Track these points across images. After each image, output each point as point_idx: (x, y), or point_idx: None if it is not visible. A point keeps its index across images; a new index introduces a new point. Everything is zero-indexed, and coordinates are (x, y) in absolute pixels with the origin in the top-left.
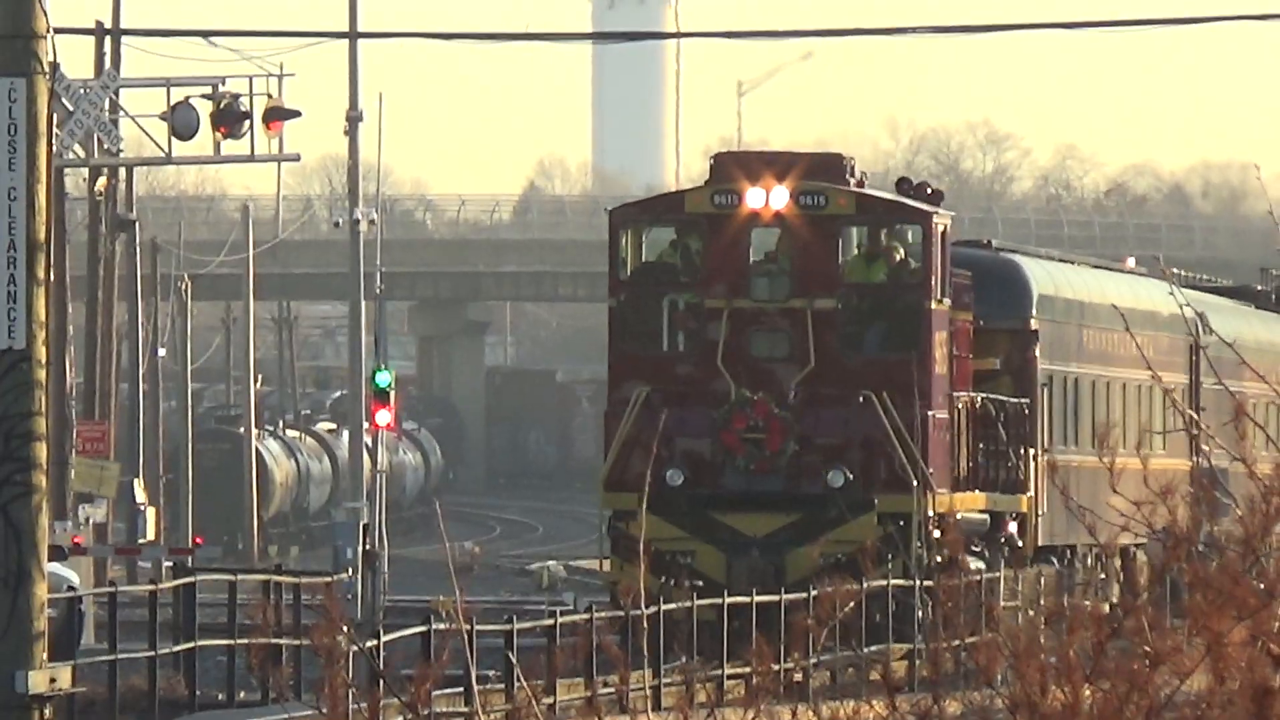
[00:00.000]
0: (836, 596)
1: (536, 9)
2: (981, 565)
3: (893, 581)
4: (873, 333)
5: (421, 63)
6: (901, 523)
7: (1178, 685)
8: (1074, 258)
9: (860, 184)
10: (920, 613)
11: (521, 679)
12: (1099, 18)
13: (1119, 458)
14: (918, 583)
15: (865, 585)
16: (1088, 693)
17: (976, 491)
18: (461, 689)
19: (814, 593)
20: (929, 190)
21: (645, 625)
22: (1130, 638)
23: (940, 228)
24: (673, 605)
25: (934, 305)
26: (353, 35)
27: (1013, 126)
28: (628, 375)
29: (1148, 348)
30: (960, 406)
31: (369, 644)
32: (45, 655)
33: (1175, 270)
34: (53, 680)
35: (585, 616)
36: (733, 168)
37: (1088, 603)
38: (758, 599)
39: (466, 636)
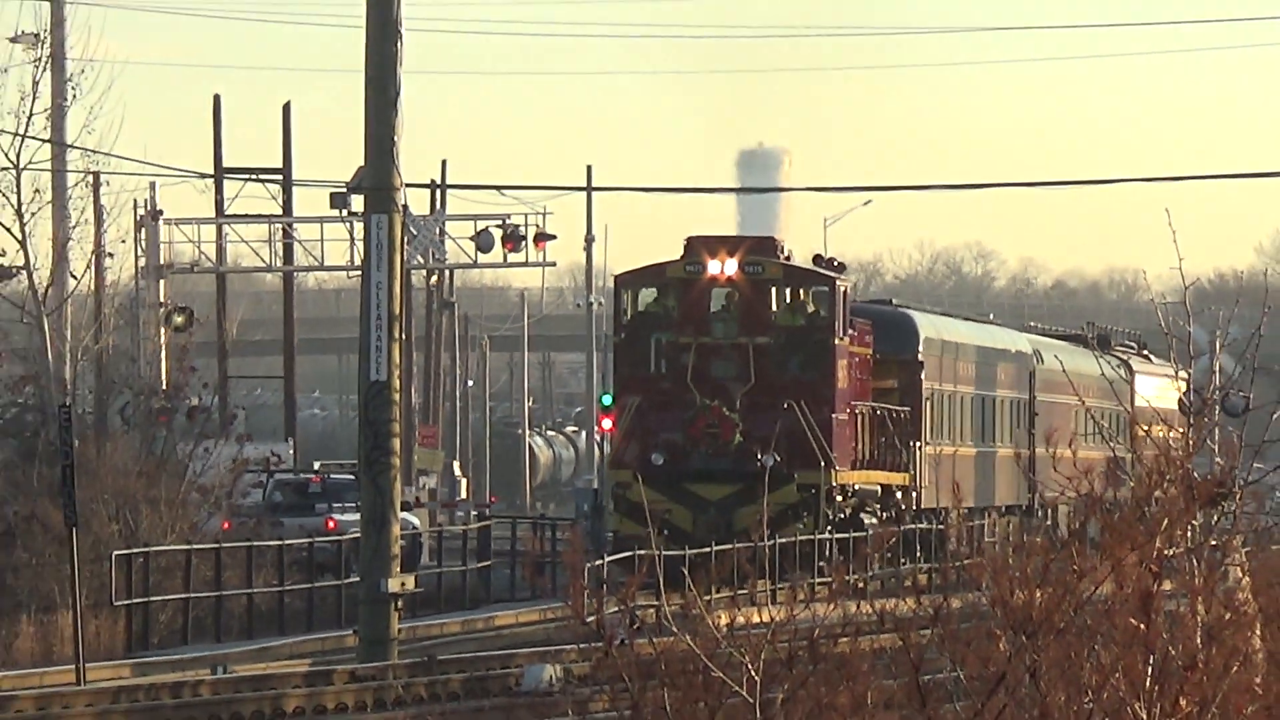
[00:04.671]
0: (885, 536)
1: (699, 164)
2: (874, 520)
3: (921, 526)
4: (794, 360)
5: (634, 199)
6: (813, 490)
7: (1093, 589)
8: (953, 313)
9: (788, 258)
10: (830, 556)
11: (691, 584)
12: (1051, 177)
13: (968, 449)
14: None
15: (901, 528)
16: (1038, 594)
17: (871, 470)
18: (653, 590)
19: (758, 543)
20: (836, 263)
21: (768, 553)
22: (1064, 560)
23: (842, 288)
24: (744, 544)
25: (837, 341)
26: (589, 189)
27: (995, 244)
28: (627, 389)
29: (1001, 373)
30: (859, 412)
31: (597, 562)
32: (398, 568)
33: (1029, 323)
34: (403, 584)
35: (729, 547)
36: (700, 247)
37: (1039, 539)
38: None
39: (656, 558)
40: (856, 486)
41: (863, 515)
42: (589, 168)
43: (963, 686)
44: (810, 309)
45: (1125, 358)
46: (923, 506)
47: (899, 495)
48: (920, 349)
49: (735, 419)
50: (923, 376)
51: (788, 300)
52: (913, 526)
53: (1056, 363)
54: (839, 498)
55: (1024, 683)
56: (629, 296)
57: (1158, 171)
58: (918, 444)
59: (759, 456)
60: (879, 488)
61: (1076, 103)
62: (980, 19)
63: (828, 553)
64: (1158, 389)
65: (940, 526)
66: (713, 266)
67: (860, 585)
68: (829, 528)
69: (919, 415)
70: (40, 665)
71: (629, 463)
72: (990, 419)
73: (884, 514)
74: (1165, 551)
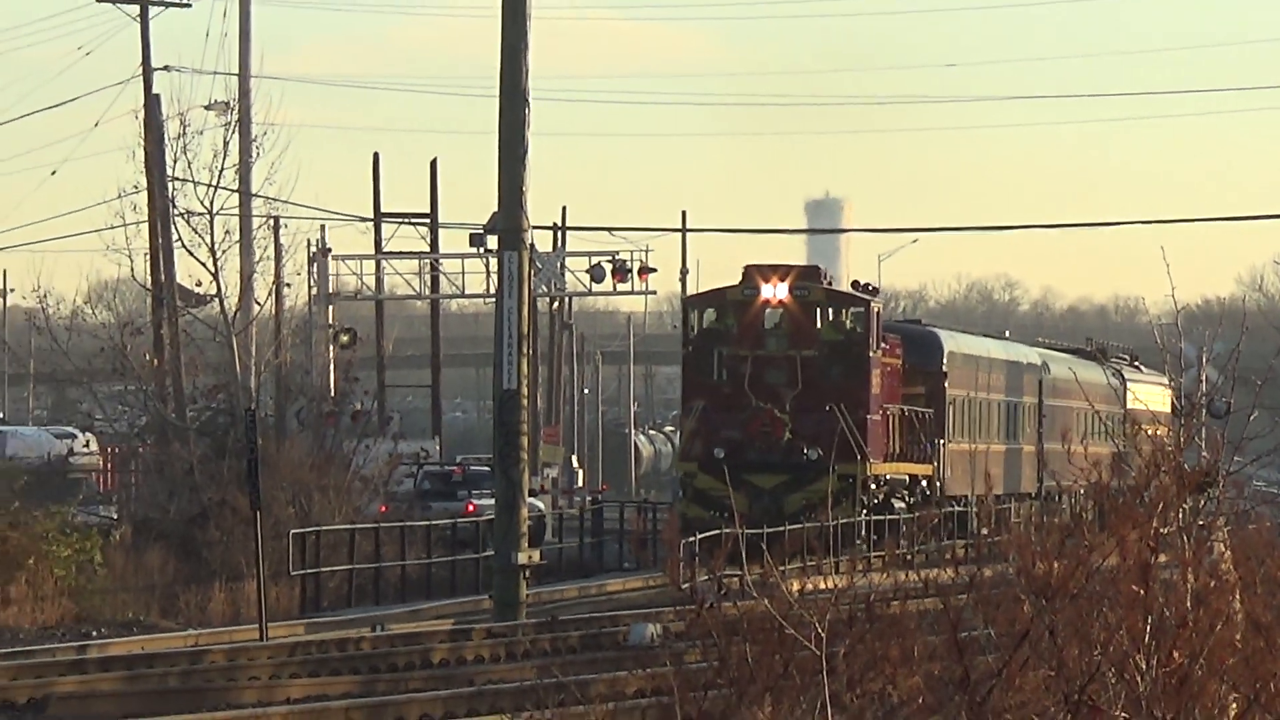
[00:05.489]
0: (926, 519)
1: (774, 210)
2: (903, 505)
3: (964, 509)
4: (835, 370)
5: (721, 238)
6: (851, 479)
7: (1101, 561)
8: (974, 330)
9: (830, 283)
10: (861, 536)
11: (767, 555)
12: (1067, 221)
13: (993, 445)
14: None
15: (937, 511)
16: (1056, 565)
17: (900, 463)
18: (736, 562)
19: (802, 525)
20: (870, 287)
21: (831, 532)
22: (1077, 537)
23: (875, 309)
24: (813, 525)
25: (871, 354)
26: (684, 231)
27: (1020, 275)
28: (693, 394)
29: (1013, 381)
30: (890, 414)
31: (690, 539)
32: (526, 544)
33: (1038, 339)
34: (530, 557)
35: (810, 524)
36: (754, 274)
37: (1056, 520)
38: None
39: (740, 534)
40: (888, 476)
41: (893, 500)
42: (684, 213)
43: (993, 641)
44: (849, 326)
45: (1119, 368)
46: (947, 494)
47: (924, 484)
48: (944, 361)
49: (785, 419)
50: (946, 384)
51: (830, 319)
52: (948, 510)
53: (1061, 373)
54: (873, 486)
55: (1044, 639)
56: (695, 316)
57: (1155, 215)
58: (942, 441)
59: (805, 451)
60: (907, 477)
61: (1088, 158)
62: (1010, 90)
63: (864, 531)
64: (1146, 394)
65: (967, 510)
66: (766, 290)
67: (908, 558)
68: (864, 511)
69: (943, 417)
70: (230, 624)
71: (694, 456)
72: (1003, 420)
73: (911, 499)
74: (1161, 530)
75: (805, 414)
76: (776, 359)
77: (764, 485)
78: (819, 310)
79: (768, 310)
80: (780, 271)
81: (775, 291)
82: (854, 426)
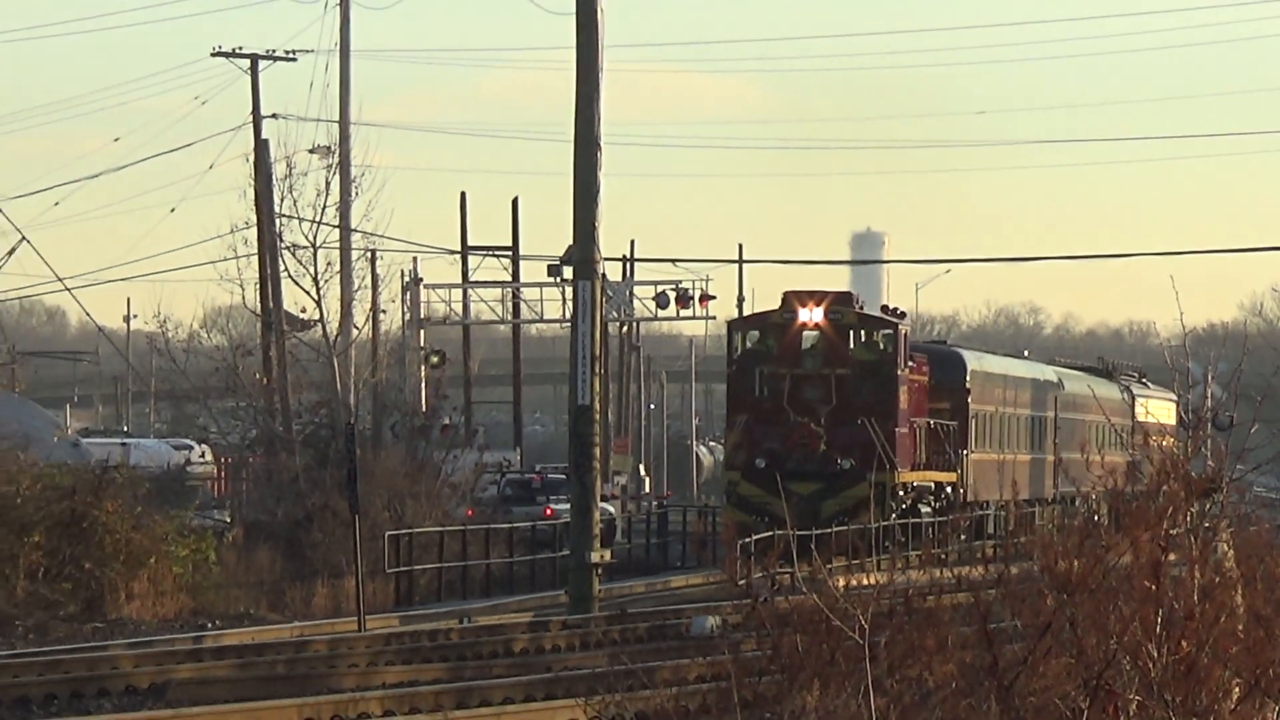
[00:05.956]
0: (960, 519)
1: (822, 243)
2: (929, 510)
3: (987, 513)
4: (866, 386)
5: (774, 268)
6: (881, 486)
7: (1116, 560)
8: (995, 350)
9: (862, 308)
10: (899, 538)
11: (815, 555)
12: (1087, 253)
13: (1018, 455)
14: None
15: (965, 514)
16: (1076, 564)
17: (926, 471)
18: (787, 560)
19: (835, 528)
20: (899, 311)
21: (874, 533)
22: (1095, 537)
23: (903, 330)
24: (850, 528)
25: (899, 372)
26: (740, 261)
27: (1043, 302)
28: (737, 409)
29: (1031, 396)
30: (917, 426)
31: (746, 540)
32: (598, 544)
33: (1055, 358)
34: (602, 556)
35: (843, 528)
36: (793, 299)
37: (1075, 523)
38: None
39: (791, 536)
40: (915, 484)
41: (920, 506)
42: (740, 246)
43: (1019, 632)
44: (879, 347)
45: (1128, 384)
46: (970, 499)
47: (949, 490)
48: (967, 378)
49: (821, 432)
50: (969, 400)
51: (862, 340)
52: (978, 514)
53: (1074, 388)
54: (901, 492)
55: (1065, 629)
56: (739, 338)
57: (1166, 248)
58: (965, 451)
59: (839, 461)
60: (933, 484)
61: (1105, 196)
62: (1034, 134)
63: (894, 534)
64: (1153, 407)
65: (992, 514)
66: (803, 314)
67: (942, 556)
68: (893, 515)
69: (966, 429)
70: (331, 617)
71: (738, 465)
72: (1022, 432)
73: (936, 504)
74: (1170, 531)
75: (839, 427)
76: (813, 377)
77: (802, 492)
78: (852, 332)
79: (805, 332)
80: (816, 297)
81: (812, 315)
82: (884, 438)
